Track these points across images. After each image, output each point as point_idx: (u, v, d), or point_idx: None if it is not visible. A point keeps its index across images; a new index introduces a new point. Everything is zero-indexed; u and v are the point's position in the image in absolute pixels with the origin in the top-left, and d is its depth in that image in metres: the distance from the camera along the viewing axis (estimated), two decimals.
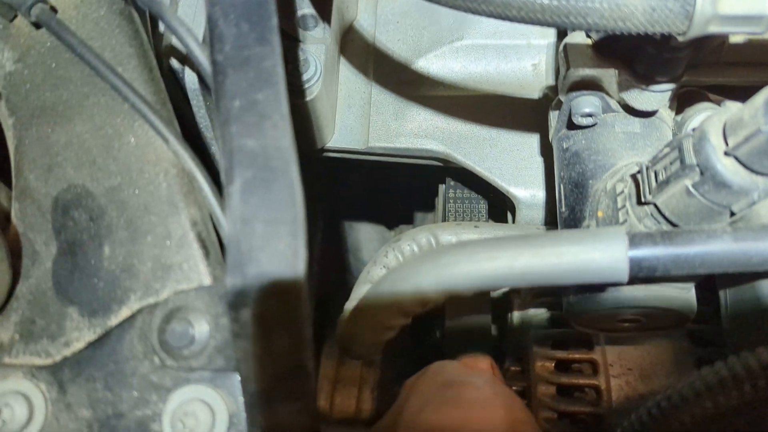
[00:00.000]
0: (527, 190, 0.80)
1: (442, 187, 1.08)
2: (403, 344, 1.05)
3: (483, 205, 0.97)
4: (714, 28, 0.45)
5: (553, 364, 0.73)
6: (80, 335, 0.52)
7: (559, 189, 0.66)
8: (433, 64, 0.87)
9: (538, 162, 0.81)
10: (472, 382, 0.56)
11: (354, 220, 1.50)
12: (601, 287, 0.59)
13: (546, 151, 0.81)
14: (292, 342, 0.44)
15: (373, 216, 1.46)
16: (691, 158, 0.49)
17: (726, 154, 0.47)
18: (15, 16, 0.59)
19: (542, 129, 0.81)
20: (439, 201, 1.10)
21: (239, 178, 0.44)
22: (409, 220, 1.43)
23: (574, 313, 0.61)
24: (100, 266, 0.53)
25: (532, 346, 0.74)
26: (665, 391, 0.50)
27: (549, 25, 0.46)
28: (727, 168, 0.47)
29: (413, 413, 0.55)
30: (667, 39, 0.54)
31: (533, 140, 0.83)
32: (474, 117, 0.84)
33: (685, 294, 0.58)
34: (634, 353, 0.70)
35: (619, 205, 0.57)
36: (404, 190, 1.35)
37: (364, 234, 1.53)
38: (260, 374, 0.45)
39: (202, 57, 0.50)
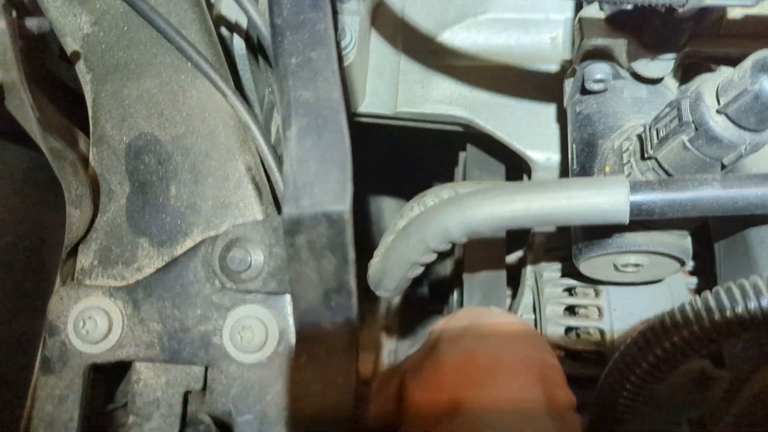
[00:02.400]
0: (543, 153, 0.86)
1: (462, 155, 1.15)
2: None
3: (501, 169, 1.04)
4: (710, 1, 0.52)
5: (562, 309, 0.80)
6: (150, 262, 0.61)
7: (571, 149, 0.73)
8: (458, 36, 0.93)
9: (554, 128, 0.88)
10: (503, 322, 0.63)
11: (375, 193, 1.58)
12: (606, 233, 0.66)
13: (561, 117, 0.88)
14: (338, 263, 0.51)
15: (394, 189, 1.53)
16: (687, 116, 0.55)
17: (718, 112, 0.54)
18: None
19: (558, 98, 0.88)
20: (459, 168, 1.17)
21: (295, 125, 0.52)
22: None
23: (582, 257, 0.68)
24: (167, 204, 0.61)
25: (543, 292, 0.82)
26: (650, 323, 0.57)
27: None
28: (719, 124, 0.54)
29: (449, 343, 0.59)
30: (670, 11, 0.60)
31: (550, 108, 0.89)
32: (495, 86, 0.91)
33: (682, 240, 0.65)
34: (636, 298, 0.77)
35: (625, 160, 0.64)
36: (424, 163, 1.41)
37: (385, 205, 1.60)
38: (310, 292, 0.53)
39: (260, 21, 0.58)
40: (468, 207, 0.58)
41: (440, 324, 0.66)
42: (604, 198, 0.55)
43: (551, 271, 0.85)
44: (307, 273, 0.52)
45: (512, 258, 1.05)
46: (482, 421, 0.50)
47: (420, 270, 0.67)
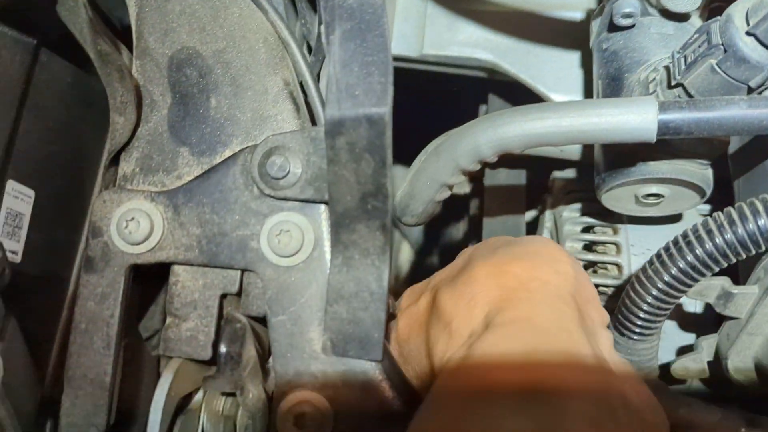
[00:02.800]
0: (567, 96, 0.88)
1: (483, 108, 1.16)
2: None
3: None
4: None
5: (581, 246, 0.82)
6: (190, 170, 0.63)
7: (597, 84, 0.74)
8: None
9: (578, 73, 0.90)
10: (538, 239, 0.62)
11: (396, 150, 1.59)
12: (629, 161, 0.68)
13: (585, 63, 0.90)
14: (376, 166, 0.53)
15: (415, 145, 1.54)
16: (717, 39, 0.57)
17: (747, 33, 0.55)
18: None
19: (582, 44, 0.89)
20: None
21: (339, 29, 0.53)
22: None
23: (605, 187, 0.70)
24: (207, 115, 0.63)
25: (562, 230, 0.84)
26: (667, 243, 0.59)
27: None
28: (748, 45, 0.55)
29: (482, 259, 0.57)
30: None
31: (574, 55, 0.91)
32: (520, 31, 0.93)
33: (704, 170, 0.67)
34: (653, 235, 0.79)
35: (651, 90, 0.66)
36: (445, 118, 1.43)
37: (406, 162, 1.62)
38: (347, 195, 0.55)
39: None
40: (500, 124, 0.60)
41: (470, 247, 0.66)
42: (633, 116, 0.57)
43: (570, 210, 0.87)
44: (346, 175, 0.54)
45: (530, 216, 1.07)
46: (515, 335, 0.49)
47: (447, 193, 0.69)
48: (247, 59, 0.64)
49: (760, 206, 0.55)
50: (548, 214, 0.91)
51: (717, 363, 0.65)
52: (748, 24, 0.55)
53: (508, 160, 1.03)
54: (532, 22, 0.92)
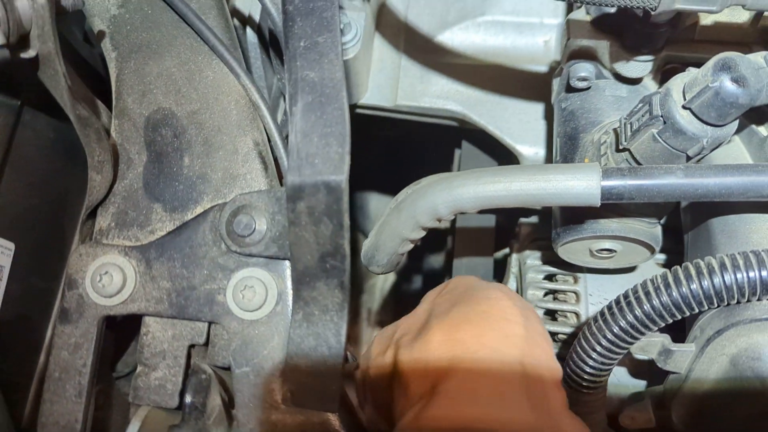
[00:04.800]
0: (531, 148, 0.92)
1: (458, 152, 1.20)
2: None
3: (493, 165, 1.10)
4: (678, 5, 0.57)
5: (542, 293, 0.86)
6: (163, 225, 0.66)
7: (556, 142, 0.78)
8: (457, 36, 0.99)
9: (542, 125, 0.94)
10: (492, 294, 0.63)
11: (373, 191, 1.64)
12: (582, 219, 0.71)
13: (549, 115, 0.94)
14: (334, 228, 0.56)
15: (391, 188, 1.59)
16: (657, 110, 0.61)
17: (684, 107, 0.59)
18: None
19: (547, 98, 0.93)
20: (455, 165, 1.23)
21: (301, 101, 0.57)
22: None
23: (560, 241, 0.74)
24: (180, 173, 0.67)
25: (525, 278, 0.87)
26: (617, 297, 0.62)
27: None
28: (684, 118, 0.59)
29: (438, 320, 0.60)
30: (648, 16, 0.66)
31: (539, 107, 0.95)
32: (489, 84, 0.97)
33: (652, 228, 0.71)
34: (611, 285, 0.82)
35: (602, 152, 0.70)
36: (421, 161, 1.47)
37: (382, 204, 1.66)
38: (307, 255, 0.58)
39: (272, 8, 0.64)
40: (455, 186, 0.64)
41: (433, 292, 0.69)
42: (578, 182, 0.60)
43: (534, 258, 0.90)
44: (306, 237, 0.58)
45: (500, 254, 1.11)
46: (455, 404, 0.52)
47: (410, 246, 0.72)
48: (219, 120, 0.68)
49: (693, 271, 0.58)
50: (514, 260, 0.95)
51: (663, 413, 0.68)
52: (684, 98, 0.59)
53: None
54: (500, 75, 0.97)
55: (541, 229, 0.95)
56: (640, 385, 0.78)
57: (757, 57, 0.58)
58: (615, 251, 0.74)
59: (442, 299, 0.67)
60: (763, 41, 0.70)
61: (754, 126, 0.71)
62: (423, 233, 0.70)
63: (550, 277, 0.88)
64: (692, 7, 0.58)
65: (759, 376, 0.59)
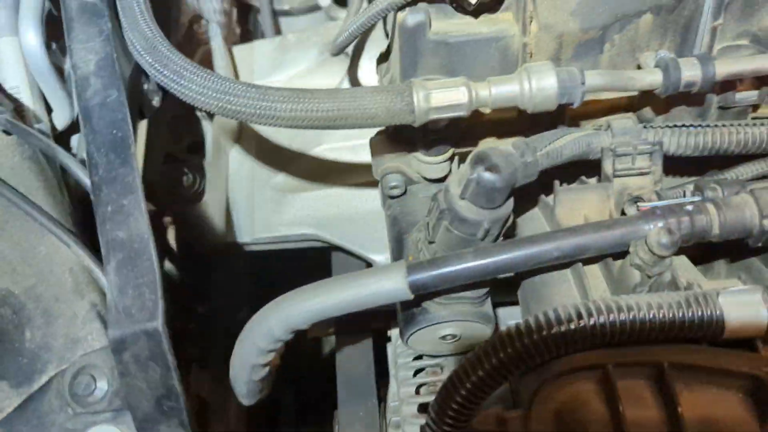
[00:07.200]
0: (381, 255, 0.99)
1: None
2: None
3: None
4: (433, 115, 0.67)
5: (414, 388, 0.89)
6: (10, 402, 0.68)
7: (390, 246, 0.85)
8: (302, 164, 1.08)
9: None
10: None
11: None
12: (414, 313, 0.77)
13: None
14: (162, 371, 0.60)
15: None
16: (443, 205, 0.69)
17: (461, 198, 0.67)
18: None
19: None
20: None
21: (114, 260, 0.62)
22: None
23: (404, 336, 0.79)
24: (23, 347, 0.70)
25: (398, 377, 0.91)
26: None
27: (328, 128, 0.67)
28: (463, 208, 0.67)
29: None
30: (426, 127, 0.75)
31: (383, 216, 1.03)
32: (337, 204, 1.05)
33: (480, 307, 0.77)
34: None
35: (419, 248, 0.77)
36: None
37: None
38: (143, 401, 0.61)
39: (85, 179, 0.69)
40: (284, 307, 0.69)
41: None
42: (387, 282, 0.67)
43: (405, 356, 0.95)
44: (138, 384, 0.61)
45: None
46: None
47: (264, 371, 0.76)
48: (56, 290, 0.72)
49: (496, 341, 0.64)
50: (390, 361, 0.99)
51: None
52: (460, 191, 0.67)
53: None
54: (345, 194, 1.05)
55: None
56: None
57: (507, 146, 0.67)
58: (457, 335, 0.79)
59: None
60: (533, 125, 0.79)
61: (543, 196, 0.80)
62: (271, 356, 0.73)
63: (419, 371, 0.92)
64: (444, 115, 0.67)
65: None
